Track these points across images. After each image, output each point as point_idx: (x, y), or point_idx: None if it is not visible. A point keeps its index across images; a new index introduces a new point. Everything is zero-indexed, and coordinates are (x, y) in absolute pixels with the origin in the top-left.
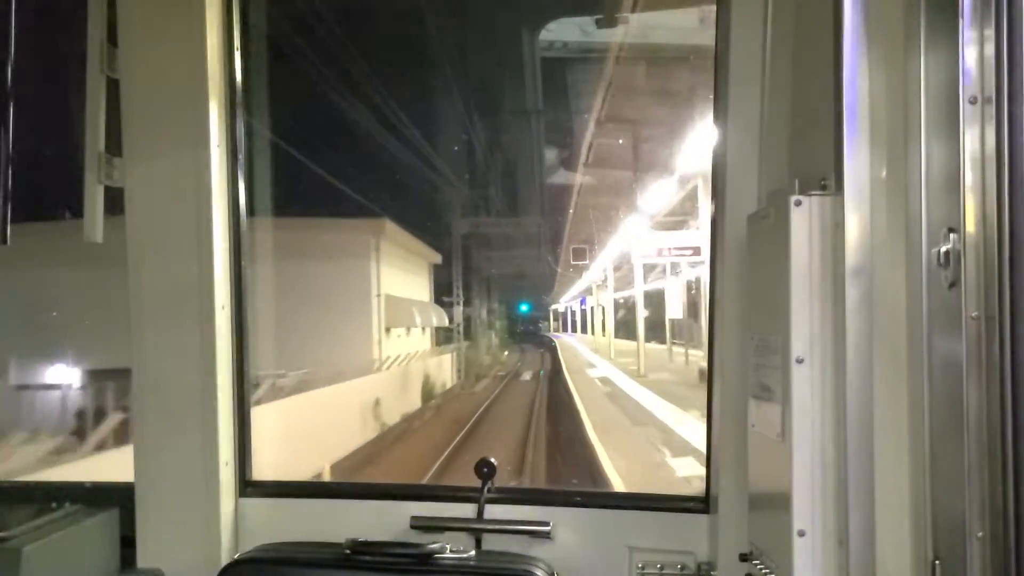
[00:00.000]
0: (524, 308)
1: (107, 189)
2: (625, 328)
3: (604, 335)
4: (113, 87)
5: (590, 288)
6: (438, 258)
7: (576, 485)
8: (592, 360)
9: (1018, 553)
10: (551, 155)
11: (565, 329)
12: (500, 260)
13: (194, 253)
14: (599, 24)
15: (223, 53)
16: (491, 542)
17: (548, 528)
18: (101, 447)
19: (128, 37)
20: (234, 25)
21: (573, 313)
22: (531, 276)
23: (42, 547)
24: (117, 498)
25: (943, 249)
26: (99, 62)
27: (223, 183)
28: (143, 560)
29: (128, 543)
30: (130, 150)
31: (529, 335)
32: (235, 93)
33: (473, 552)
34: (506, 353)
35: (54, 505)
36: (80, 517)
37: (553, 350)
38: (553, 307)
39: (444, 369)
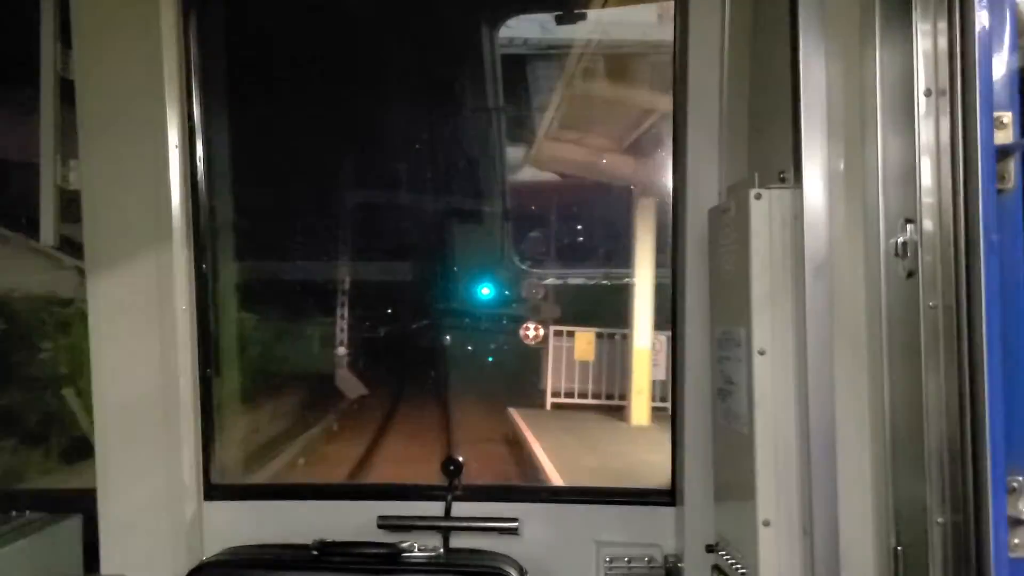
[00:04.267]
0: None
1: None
2: None
3: None
4: (68, 88)
5: None
6: None
7: (543, 481)
8: None
9: (978, 538)
10: None
11: None
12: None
13: (153, 255)
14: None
15: (180, 51)
16: (460, 539)
17: (516, 524)
18: None
19: (82, 37)
20: (190, 23)
21: None
22: None
23: (4, 555)
24: (80, 504)
25: (900, 240)
26: (52, 63)
27: (183, 184)
28: (107, 567)
29: (92, 550)
30: (86, 152)
31: None
32: (192, 92)
33: (442, 550)
34: None
35: (15, 513)
36: (42, 524)
37: None
38: None
39: None
